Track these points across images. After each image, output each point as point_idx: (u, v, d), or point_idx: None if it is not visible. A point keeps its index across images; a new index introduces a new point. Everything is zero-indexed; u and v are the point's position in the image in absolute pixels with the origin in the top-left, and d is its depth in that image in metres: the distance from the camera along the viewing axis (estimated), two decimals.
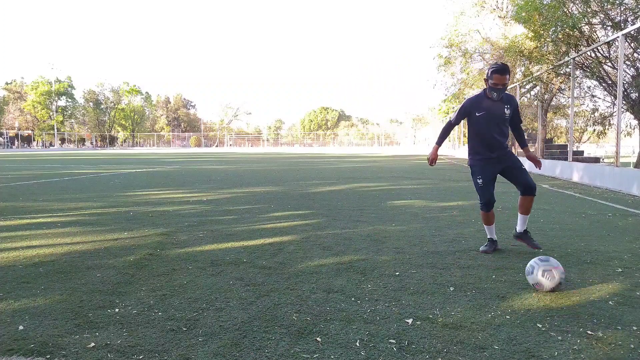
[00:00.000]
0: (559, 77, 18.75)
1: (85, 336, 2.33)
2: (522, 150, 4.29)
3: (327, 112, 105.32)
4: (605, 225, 5.48)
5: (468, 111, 4.13)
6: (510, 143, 22.86)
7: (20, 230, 5.07)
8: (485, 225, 4.28)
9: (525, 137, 4.38)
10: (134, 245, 4.36)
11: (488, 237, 4.27)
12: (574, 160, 13.65)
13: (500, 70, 3.88)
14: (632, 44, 14.48)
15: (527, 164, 7.82)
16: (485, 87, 4.09)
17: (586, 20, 15.69)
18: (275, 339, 2.31)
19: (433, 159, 4.29)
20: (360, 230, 5.04)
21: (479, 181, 4.16)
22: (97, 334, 2.36)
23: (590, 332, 2.38)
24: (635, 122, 15.67)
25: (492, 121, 4.03)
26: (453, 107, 39.67)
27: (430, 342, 2.27)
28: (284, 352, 2.16)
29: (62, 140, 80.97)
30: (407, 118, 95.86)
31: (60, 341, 2.27)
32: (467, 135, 4.27)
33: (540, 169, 4.18)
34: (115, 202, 7.38)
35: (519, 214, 4.23)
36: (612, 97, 16.25)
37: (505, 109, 4.03)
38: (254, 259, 3.84)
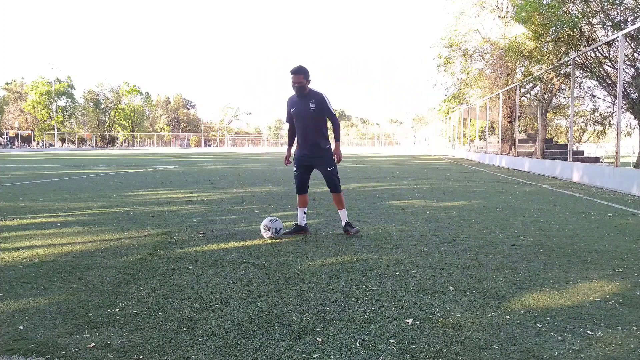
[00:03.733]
0: (559, 77, 18.76)
1: (85, 336, 2.33)
2: None
3: None
4: (605, 225, 5.48)
5: (288, 108, 4.77)
6: (510, 144, 22.97)
7: (20, 230, 5.07)
8: (298, 207, 4.88)
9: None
10: (134, 245, 4.36)
11: (297, 221, 4.84)
12: (574, 160, 13.65)
13: (294, 71, 4.53)
14: (632, 44, 14.47)
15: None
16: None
17: (586, 20, 15.70)
18: (275, 339, 2.31)
19: (286, 158, 5.00)
20: (361, 230, 5.04)
21: (294, 171, 4.87)
22: (97, 334, 2.36)
23: (590, 332, 2.38)
24: (635, 122, 15.67)
25: (300, 115, 4.67)
26: (453, 107, 39.66)
27: (430, 342, 2.27)
28: (284, 352, 2.16)
29: (62, 140, 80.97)
30: (407, 118, 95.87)
31: (60, 341, 2.27)
32: None
33: (337, 162, 4.84)
34: (115, 202, 7.38)
35: (338, 210, 4.91)
36: (612, 97, 16.25)
37: (310, 104, 4.62)
38: (254, 259, 3.84)
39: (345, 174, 14.07)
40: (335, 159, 4.80)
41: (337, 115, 4.92)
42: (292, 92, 4.72)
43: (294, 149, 4.94)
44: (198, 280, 3.27)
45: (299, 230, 4.86)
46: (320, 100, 4.65)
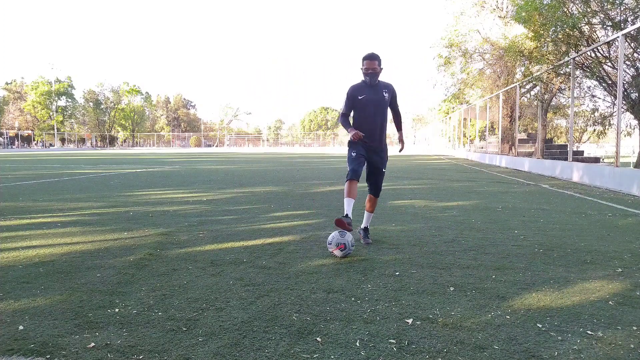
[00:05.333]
0: (559, 77, 18.76)
1: (85, 336, 2.33)
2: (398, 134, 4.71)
3: (327, 112, 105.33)
4: (605, 225, 5.48)
5: (353, 95, 4.41)
6: (510, 144, 22.96)
7: (20, 230, 5.07)
8: (346, 198, 4.18)
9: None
10: (134, 245, 4.36)
11: (345, 212, 4.11)
12: (574, 160, 13.65)
13: (369, 57, 4.28)
14: (632, 44, 14.47)
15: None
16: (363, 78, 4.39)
17: (586, 20, 15.70)
18: (275, 339, 2.31)
19: (357, 132, 4.26)
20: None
21: (353, 154, 4.37)
22: (97, 334, 2.36)
23: (590, 332, 2.38)
24: (635, 122, 15.67)
25: (371, 105, 4.34)
26: (453, 107, 39.65)
27: (430, 342, 2.27)
28: (284, 352, 2.16)
29: (62, 140, 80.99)
30: (407, 118, 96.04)
31: (60, 341, 2.27)
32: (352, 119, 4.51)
33: (400, 151, 4.71)
34: (115, 202, 7.38)
35: (365, 211, 4.61)
36: (612, 97, 16.25)
37: (384, 93, 4.36)
38: (254, 259, 3.84)
39: (345, 174, 14.07)
40: (400, 148, 4.67)
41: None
42: (353, 82, 4.43)
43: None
44: (198, 280, 3.27)
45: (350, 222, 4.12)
46: (392, 91, 4.42)
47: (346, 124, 4.47)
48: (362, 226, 4.59)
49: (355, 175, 4.24)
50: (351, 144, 4.40)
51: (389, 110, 4.54)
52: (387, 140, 4.72)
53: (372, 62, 4.26)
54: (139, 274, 3.42)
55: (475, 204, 7.26)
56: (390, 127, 5.30)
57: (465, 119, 33.68)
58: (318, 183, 11.05)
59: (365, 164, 4.44)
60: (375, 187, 4.49)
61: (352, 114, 4.48)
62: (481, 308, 2.72)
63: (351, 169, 4.27)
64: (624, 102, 14.27)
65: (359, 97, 4.35)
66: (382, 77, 4.45)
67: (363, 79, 4.39)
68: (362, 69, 4.33)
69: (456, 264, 3.68)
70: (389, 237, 4.70)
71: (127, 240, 4.58)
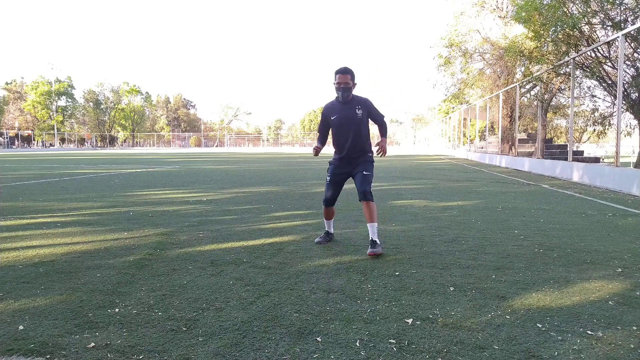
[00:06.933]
0: (559, 77, 18.75)
1: (85, 336, 2.33)
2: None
3: None
4: (605, 225, 5.48)
5: (326, 116, 4.37)
6: (510, 144, 22.97)
7: (20, 230, 5.07)
8: (324, 220, 4.60)
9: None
10: (134, 245, 4.36)
11: (325, 229, 4.60)
12: (574, 160, 13.65)
13: (342, 71, 4.10)
14: (632, 44, 14.47)
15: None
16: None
17: (586, 20, 15.69)
18: (275, 339, 2.31)
19: (316, 151, 4.39)
20: (360, 230, 5.04)
21: (327, 178, 4.44)
22: (97, 334, 2.36)
23: (590, 332, 2.38)
24: (635, 122, 15.66)
25: (344, 124, 4.22)
26: (453, 107, 39.66)
27: (430, 342, 2.27)
28: (284, 352, 2.16)
29: (62, 140, 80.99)
30: (407, 118, 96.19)
31: (60, 341, 2.27)
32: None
33: (382, 156, 4.20)
34: (115, 202, 7.38)
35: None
36: (612, 97, 16.25)
37: (357, 110, 4.19)
38: (254, 259, 3.84)
39: None
40: (381, 153, 4.16)
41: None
42: (326, 99, 4.23)
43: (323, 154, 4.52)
44: (198, 280, 3.27)
45: (330, 238, 4.55)
46: (367, 106, 4.21)
47: (318, 140, 4.51)
48: (370, 239, 4.17)
49: (328, 204, 4.47)
50: (330, 163, 4.44)
51: (370, 123, 4.39)
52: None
53: (344, 77, 4.06)
54: (139, 274, 3.42)
55: (475, 204, 7.26)
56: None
57: (465, 119, 33.68)
58: (318, 183, 11.04)
59: (350, 177, 4.36)
60: (360, 191, 4.13)
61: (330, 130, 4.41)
62: (481, 308, 2.72)
63: (324, 198, 4.46)
64: (624, 102, 14.27)
65: (332, 118, 4.27)
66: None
67: (336, 94, 4.22)
68: (334, 83, 4.13)
69: (456, 264, 3.68)
70: (389, 237, 4.70)
71: (127, 240, 4.58)
